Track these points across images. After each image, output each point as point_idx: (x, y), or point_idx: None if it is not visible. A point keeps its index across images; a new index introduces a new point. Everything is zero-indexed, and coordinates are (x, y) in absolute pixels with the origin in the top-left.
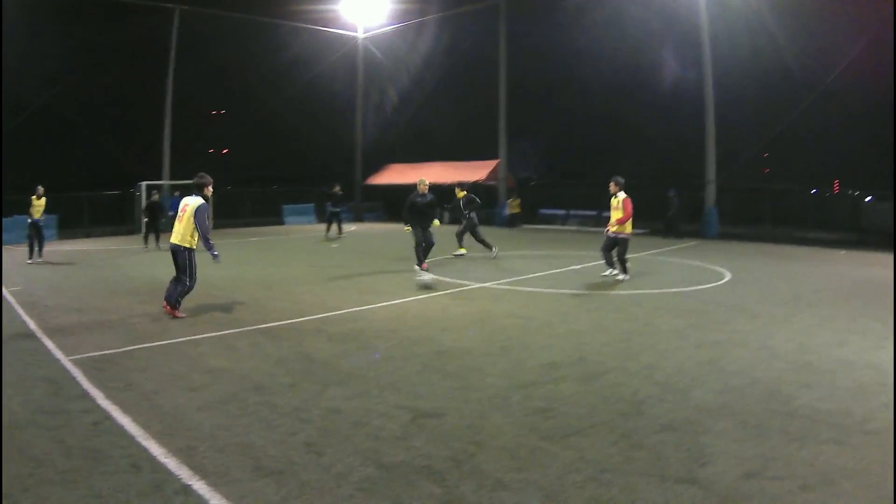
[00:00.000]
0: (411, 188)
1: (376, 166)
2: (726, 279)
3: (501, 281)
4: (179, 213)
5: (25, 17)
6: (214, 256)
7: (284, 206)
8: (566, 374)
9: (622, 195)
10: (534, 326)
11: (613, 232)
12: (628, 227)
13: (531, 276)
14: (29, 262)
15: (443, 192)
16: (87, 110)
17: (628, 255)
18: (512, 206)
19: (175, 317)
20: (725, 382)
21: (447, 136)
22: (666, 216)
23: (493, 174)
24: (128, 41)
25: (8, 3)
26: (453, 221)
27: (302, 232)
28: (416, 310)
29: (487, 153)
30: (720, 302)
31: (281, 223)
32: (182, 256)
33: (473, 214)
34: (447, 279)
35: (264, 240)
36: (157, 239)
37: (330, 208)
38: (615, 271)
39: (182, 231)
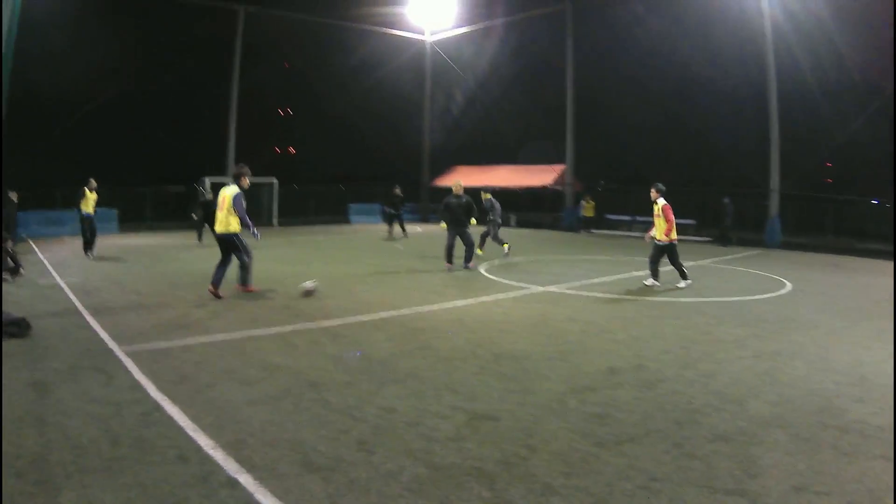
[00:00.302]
0: (478, 191)
1: (443, 168)
2: (787, 289)
3: (564, 285)
4: (220, 203)
5: (91, 12)
6: (255, 235)
7: (350, 206)
8: (624, 381)
9: (662, 202)
10: (594, 331)
11: (658, 240)
12: (673, 234)
13: (594, 280)
14: (87, 256)
15: (507, 197)
16: (152, 106)
17: (681, 260)
18: (587, 209)
19: (249, 291)
20: (780, 394)
21: (514, 140)
22: (721, 224)
23: (559, 179)
24: (196, 39)
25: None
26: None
27: (367, 231)
28: (478, 312)
29: (554, 157)
30: (780, 312)
31: (347, 222)
32: (230, 241)
33: (499, 219)
34: (510, 282)
35: (329, 238)
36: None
37: (389, 210)
38: (657, 283)
39: (224, 219)
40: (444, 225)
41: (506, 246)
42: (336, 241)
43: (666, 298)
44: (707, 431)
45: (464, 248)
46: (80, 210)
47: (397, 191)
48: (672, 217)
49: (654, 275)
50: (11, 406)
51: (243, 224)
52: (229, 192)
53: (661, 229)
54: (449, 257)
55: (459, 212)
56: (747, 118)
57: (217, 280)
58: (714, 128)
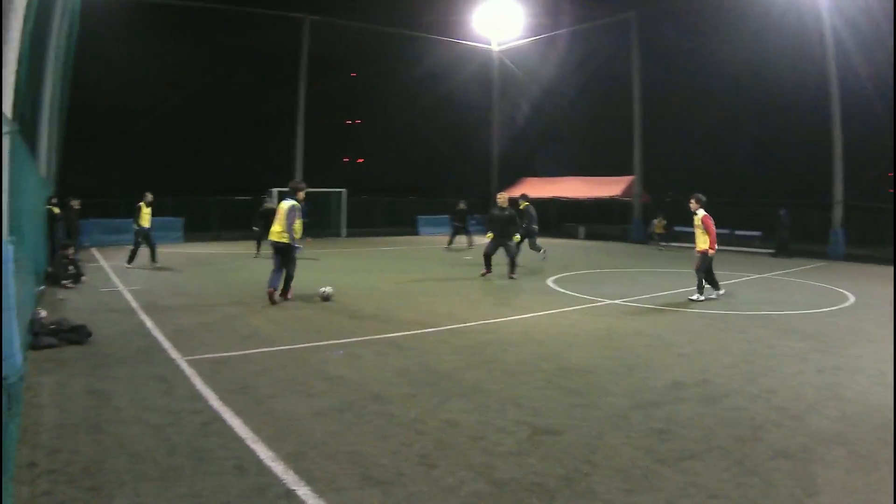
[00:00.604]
0: (547, 202)
1: (511, 179)
2: (850, 302)
3: (631, 298)
4: (277, 214)
5: (159, 22)
6: (297, 248)
7: (419, 217)
8: (687, 396)
9: (701, 213)
10: (659, 345)
11: (701, 251)
12: (705, 243)
13: (661, 293)
14: (128, 266)
15: (574, 208)
16: (220, 116)
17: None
18: (658, 227)
19: (286, 299)
20: (841, 409)
21: (582, 151)
22: (777, 236)
23: (627, 190)
24: (263, 49)
25: (137, 8)
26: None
27: (436, 243)
28: (545, 325)
29: (623, 168)
30: (843, 325)
31: (415, 233)
32: (285, 250)
33: (534, 226)
34: (578, 295)
35: (397, 249)
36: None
37: (455, 224)
38: (721, 291)
39: (279, 229)
40: (489, 235)
41: (542, 252)
42: (404, 253)
43: (731, 312)
44: (768, 448)
45: (507, 258)
46: (138, 225)
47: (462, 205)
48: (713, 228)
49: (714, 285)
50: (68, 413)
51: (289, 235)
52: (286, 204)
53: (703, 240)
54: (487, 264)
55: (502, 223)
56: (810, 128)
57: (274, 284)
58: (778, 138)
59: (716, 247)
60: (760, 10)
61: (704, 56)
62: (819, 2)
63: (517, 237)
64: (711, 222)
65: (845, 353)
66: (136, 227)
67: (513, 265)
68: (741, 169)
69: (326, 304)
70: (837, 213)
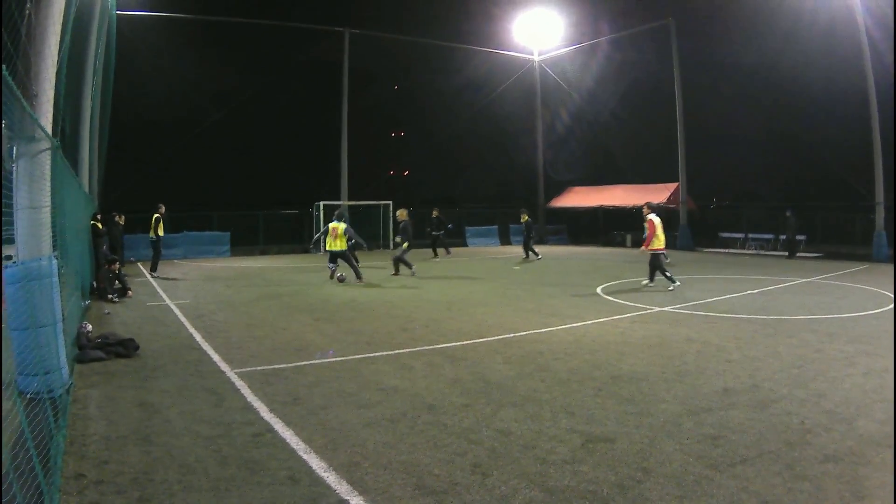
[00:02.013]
0: (595, 211)
1: (558, 189)
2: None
3: (681, 305)
4: (331, 232)
5: (203, 37)
6: (362, 245)
7: (468, 228)
8: (738, 401)
9: (650, 217)
10: (710, 352)
11: (642, 251)
12: (656, 244)
13: (710, 300)
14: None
15: (621, 217)
16: (265, 130)
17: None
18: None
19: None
20: (889, 412)
21: (628, 158)
22: (786, 237)
23: (673, 197)
24: (304, 63)
25: (182, 25)
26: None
27: (485, 254)
28: (596, 333)
29: (668, 175)
30: (889, 328)
31: (464, 244)
32: (343, 255)
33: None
34: (628, 303)
35: (446, 260)
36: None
37: (431, 232)
38: (652, 284)
39: (339, 244)
40: (405, 244)
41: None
42: (454, 264)
43: (779, 317)
44: (818, 452)
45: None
46: (155, 235)
47: (436, 213)
48: (652, 231)
49: (651, 278)
50: (116, 424)
51: (357, 241)
52: (341, 226)
53: (654, 241)
54: (396, 268)
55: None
56: (852, 131)
57: (332, 270)
58: (820, 141)
59: (659, 246)
60: (793, 11)
61: (742, 59)
62: (851, 1)
63: (405, 245)
64: (654, 227)
65: (892, 355)
66: (152, 237)
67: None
68: (784, 173)
69: (378, 316)
70: (880, 216)
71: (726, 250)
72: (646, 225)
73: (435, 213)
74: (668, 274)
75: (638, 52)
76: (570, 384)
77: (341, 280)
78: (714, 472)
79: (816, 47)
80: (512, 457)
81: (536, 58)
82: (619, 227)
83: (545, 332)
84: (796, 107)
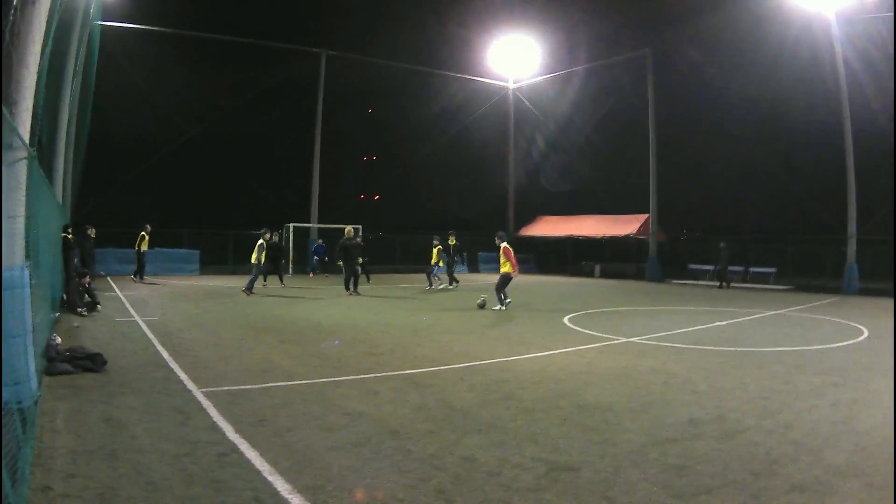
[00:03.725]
0: (563, 241)
1: (528, 217)
2: (864, 336)
3: (648, 336)
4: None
5: (175, 55)
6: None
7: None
8: (704, 432)
9: (503, 245)
10: (676, 383)
11: (502, 273)
12: (506, 267)
13: (677, 331)
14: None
15: (591, 247)
16: (236, 149)
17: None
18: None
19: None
20: (856, 442)
21: (599, 188)
22: (716, 267)
23: (644, 228)
24: (279, 84)
25: (157, 41)
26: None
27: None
28: (562, 363)
29: (639, 206)
30: (857, 360)
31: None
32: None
33: (457, 257)
34: (594, 333)
35: (414, 286)
36: (281, 279)
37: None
38: (504, 308)
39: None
40: (339, 262)
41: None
42: (422, 289)
43: (747, 348)
44: (783, 482)
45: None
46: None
47: (452, 240)
48: (513, 256)
49: (501, 302)
50: (83, 439)
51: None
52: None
53: (506, 265)
54: (347, 288)
55: (352, 250)
56: (824, 163)
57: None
58: (793, 173)
59: (517, 270)
60: (772, 44)
61: (718, 92)
62: (831, 37)
63: (361, 260)
64: (511, 252)
65: (860, 387)
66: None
67: (356, 282)
68: (756, 205)
69: (345, 340)
70: (852, 249)
71: (695, 282)
72: (503, 251)
73: (451, 241)
74: (501, 296)
75: (614, 81)
76: (535, 413)
77: (481, 306)
78: (679, 502)
79: (794, 80)
80: (476, 484)
81: (511, 85)
82: (588, 256)
83: (511, 360)
84: (771, 138)
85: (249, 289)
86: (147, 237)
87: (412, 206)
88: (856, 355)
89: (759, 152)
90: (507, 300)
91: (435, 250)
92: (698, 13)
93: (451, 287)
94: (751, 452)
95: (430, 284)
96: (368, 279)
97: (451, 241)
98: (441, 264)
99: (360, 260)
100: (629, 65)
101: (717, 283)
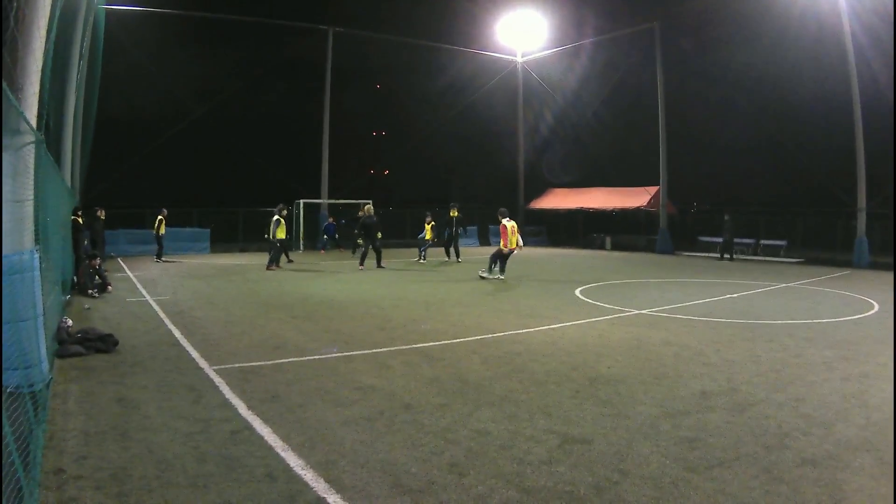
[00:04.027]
0: (573, 213)
1: (538, 190)
2: (875, 310)
3: (659, 308)
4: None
5: (183, 33)
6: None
7: (447, 230)
8: (716, 404)
9: (503, 221)
10: (688, 355)
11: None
12: (511, 245)
13: (689, 303)
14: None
15: (601, 219)
16: (246, 127)
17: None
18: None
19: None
20: (867, 417)
21: (608, 161)
22: (724, 240)
23: (654, 200)
24: (286, 62)
25: (163, 21)
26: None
27: (464, 254)
28: (574, 335)
29: (648, 179)
30: (868, 334)
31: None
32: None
33: (459, 230)
34: (606, 305)
35: (424, 261)
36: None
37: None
38: (502, 277)
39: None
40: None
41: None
42: (433, 264)
43: (758, 321)
44: (795, 456)
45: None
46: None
47: (454, 212)
48: (504, 234)
49: (502, 271)
50: (95, 420)
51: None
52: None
53: (502, 241)
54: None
55: (373, 227)
56: (834, 137)
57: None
58: (802, 147)
59: (506, 247)
60: (780, 18)
61: (727, 65)
62: (838, 9)
63: (379, 234)
64: (505, 230)
65: (871, 360)
66: (157, 233)
67: (378, 258)
68: (767, 178)
69: (356, 315)
70: (861, 222)
71: (706, 254)
72: (500, 228)
73: (453, 213)
74: (491, 265)
75: (622, 55)
76: (548, 385)
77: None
78: (691, 475)
79: (802, 53)
80: (489, 457)
81: (519, 59)
82: (598, 229)
83: (523, 333)
84: (781, 112)
85: (274, 263)
86: (164, 220)
87: (422, 181)
88: (866, 329)
89: (768, 125)
90: (497, 271)
91: (428, 226)
92: None
93: (457, 261)
94: (762, 425)
95: (421, 258)
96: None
97: (453, 214)
98: (429, 238)
99: (379, 235)
100: (637, 38)
101: (719, 256)
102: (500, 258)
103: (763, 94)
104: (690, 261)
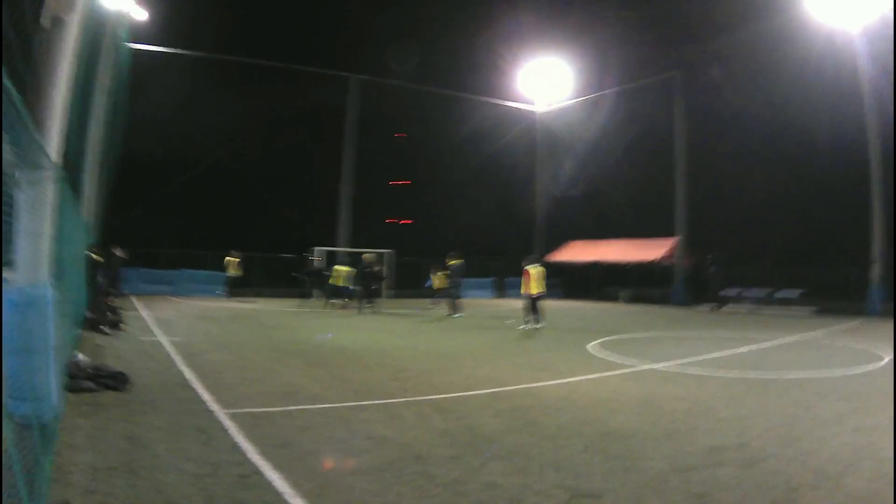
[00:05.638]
0: (592, 266)
1: (557, 242)
2: (885, 361)
3: (672, 362)
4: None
5: (207, 78)
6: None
7: (462, 279)
8: (726, 459)
9: (528, 268)
10: (699, 410)
11: (526, 293)
12: (531, 290)
13: (702, 357)
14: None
15: (623, 270)
16: (266, 172)
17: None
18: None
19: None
20: (877, 469)
21: (626, 212)
22: (710, 289)
23: (670, 252)
24: (311, 108)
25: (188, 63)
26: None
27: (480, 306)
28: (587, 389)
29: (666, 229)
30: (878, 386)
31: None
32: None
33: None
34: (619, 360)
35: (442, 311)
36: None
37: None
38: (538, 325)
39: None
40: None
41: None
42: (447, 315)
43: (770, 375)
44: None
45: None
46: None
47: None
48: (526, 279)
49: (535, 320)
50: (104, 455)
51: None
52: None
53: (528, 286)
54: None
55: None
56: (849, 186)
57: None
58: (818, 197)
59: (525, 291)
60: (795, 65)
61: (745, 115)
62: (856, 57)
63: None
64: (526, 276)
65: (880, 413)
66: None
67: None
68: (781, 228)
69: (370, 364)
70: (875, 271)
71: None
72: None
73: (452, 262)
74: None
75: (642, 104)
76: (559, 439)
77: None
78: None
79: (818, 102)
80: None
81: (539, 109)
82: (614, 281)
83: (535, 386)
84: (795, 160)
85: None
86: (235, 261)
87: (440, 231)
88: (877, 380)
89: (786, 175)
90: (528, 322)
91: (438, 275)
92: (721, 32)
93: (455, 315)
94: (771, 481)
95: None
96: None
97: (451, 262)
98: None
99: (374, 286)
100: (657, 87)
101: (711, 306)
102: (531, 306)
103: (779, 144)
104: (705, 314)
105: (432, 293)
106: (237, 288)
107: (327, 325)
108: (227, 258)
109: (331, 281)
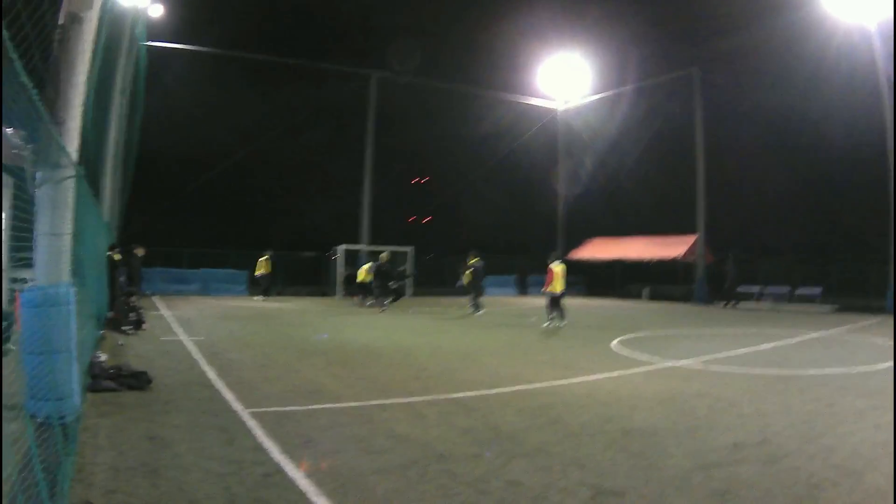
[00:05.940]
0: (614, 263)
1: (578, 240)
2: None
3: (694, 359)
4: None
5: (227, 76)
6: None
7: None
8: (748, 456)
9: (551, 265)
10: (721, 407)
11: (544, 291)
12: (553, 288)
13: (723, 354)
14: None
15: (644, 268)
16: (286, 171)
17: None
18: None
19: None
20: None
21: (647, 209)
22: (726, 286)
23: (690, 250)
24: (331, 106)
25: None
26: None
27: (502, 304)
28: (610, 387)
29: (687, 227)
30: None
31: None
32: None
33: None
34: (641, 357)
35: (464, 309)
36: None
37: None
38: (561, 324)
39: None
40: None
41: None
42: (466, 314)
43: (792, 371)
44: None
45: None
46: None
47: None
48: (549, 277)
49: (558, 318)
50: (125, 455)
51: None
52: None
53: (552, 284)
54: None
55: (388, 274)
56: (868, 181)
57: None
58: (837, 192)
59: (547, 289)
60: (813, 60)
61: (761, 110)
62: (874, 52)
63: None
64: (549, 274)
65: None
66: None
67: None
68: (802, 225)
69: (393, 363)
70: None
71: (738, 303)
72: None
73: (472, 260)
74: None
75: (661, 101)
76: (582, 437)
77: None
78: None
79: (836, 98)
80: None
81: (559, 106)
82: (636, 279)
83: (558, 384)
84: (815, 158)
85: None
86: (268, 261)
87: (462, 228)
88: None
89: (803, 171)
90: (552, 319)
91: (467, 273)
92: (739, 27)
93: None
94: (793, 477)
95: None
96: (394, 300)
97: (471, 261)
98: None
99: (392, 284)
100: (675, 84)
101: (724, 302)
102: (554, 304)
103: (798, 140)
104: (727, 311)
105: (463, 291)
106: (259, 287)
107: (348, 323)
108: (260, 259)
109: (358, 280)
